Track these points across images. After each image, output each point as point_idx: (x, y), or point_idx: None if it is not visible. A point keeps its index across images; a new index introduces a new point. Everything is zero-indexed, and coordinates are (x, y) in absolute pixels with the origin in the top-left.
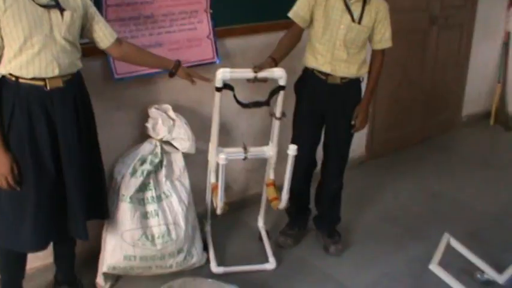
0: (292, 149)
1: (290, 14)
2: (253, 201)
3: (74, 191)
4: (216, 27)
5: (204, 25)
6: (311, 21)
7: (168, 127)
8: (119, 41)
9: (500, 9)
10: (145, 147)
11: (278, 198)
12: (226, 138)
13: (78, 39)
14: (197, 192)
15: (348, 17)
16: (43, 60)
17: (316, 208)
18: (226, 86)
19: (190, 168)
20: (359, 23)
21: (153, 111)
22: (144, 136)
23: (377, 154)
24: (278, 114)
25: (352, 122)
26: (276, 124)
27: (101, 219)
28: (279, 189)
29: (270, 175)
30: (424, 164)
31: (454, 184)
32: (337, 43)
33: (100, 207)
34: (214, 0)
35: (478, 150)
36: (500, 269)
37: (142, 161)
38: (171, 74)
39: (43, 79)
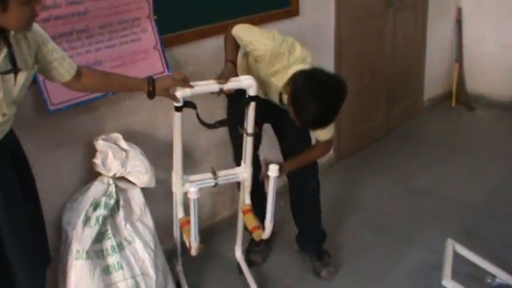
0: (273, 170)
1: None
2: (223, 226)
3: (16, 259)
4: (162, 34)
5: (149, 34)
6: None
7: (120, 160)
8: (78, 72)
9: None
10: (97, 188)
11: (260, 226)
12: (186, 161)
13: None
14: (162, 227)
15: None
16: None
17: (296, 224)
18: (188, 104)
19: (150, 201)
20: None
21: (100, 144)
22: (93, 174)
23: (346, 154)
24: (250, 129)
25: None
26: (249, 141)
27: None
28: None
29: (246, 200)
30: (396, 158)
31: (430, 176)
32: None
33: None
34: (158, 3)
35: (445, 135)
36: (505, 268)
37: (96, 206)
38: (150, 95)
39: None
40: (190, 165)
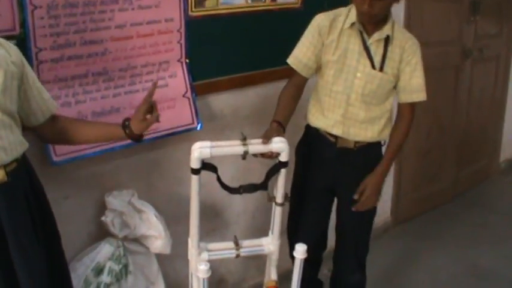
0: (299, 251)
1: (289, 61)
2: None
3: None
4: (195, 81)
5: (178, 80)
6: (319, 68)
7: (132, 221)
8: (53, 116)
9: None
10: (103, 250)
11: None
12: (216, 222)
13: (17, 109)
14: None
15: (367, 62)
16: None
17: None
18: (207, 167)
19: (168, 262)
20: (381, 69)
21: (111, 201)
22: (104, 230)
23: (404, 218)
24: (280, 199)
25: (355, 196)
26: (278, 211)
27: None
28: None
29: (272, 275)
30: (461, 228)
31: (499, 255)
32: (352, 96)
33: None
34: (192, 47)
35: None
36: None
37: (99, 271)
38: (136, 139)
39: None
40: (221, 226)
